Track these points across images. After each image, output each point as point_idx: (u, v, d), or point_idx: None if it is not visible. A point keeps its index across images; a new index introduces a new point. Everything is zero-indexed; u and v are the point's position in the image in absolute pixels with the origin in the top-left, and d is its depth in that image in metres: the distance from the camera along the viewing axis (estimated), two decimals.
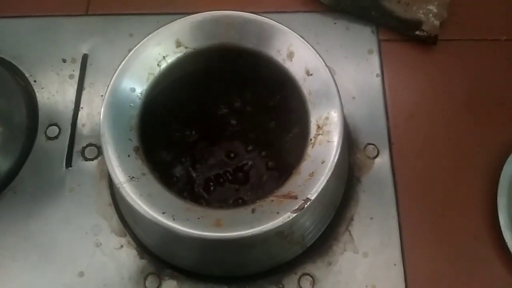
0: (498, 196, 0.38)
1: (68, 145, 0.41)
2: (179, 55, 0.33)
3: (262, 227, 0.28)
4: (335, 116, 0.31)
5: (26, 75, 0.44)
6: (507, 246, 0.37)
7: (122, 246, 0.37)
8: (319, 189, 0.29)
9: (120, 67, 0.32)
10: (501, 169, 0.39)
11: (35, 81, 0.43)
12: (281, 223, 0.29)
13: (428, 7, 0.45)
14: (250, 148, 0.41)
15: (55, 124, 0.42)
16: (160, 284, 0.36)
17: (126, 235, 0.38)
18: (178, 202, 0.30)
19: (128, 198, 0.29)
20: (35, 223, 0.38)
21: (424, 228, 0.38)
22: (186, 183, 0.39)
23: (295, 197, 0.29)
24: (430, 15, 0.44)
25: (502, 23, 0.46)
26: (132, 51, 0.33)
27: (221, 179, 0.40)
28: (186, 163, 0.40)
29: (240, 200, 0.39)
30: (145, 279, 0.36)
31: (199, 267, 0.36)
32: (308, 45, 0.33)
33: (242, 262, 0.36)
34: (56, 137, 0.41)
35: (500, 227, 0.37)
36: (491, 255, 0.38)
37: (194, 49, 0.33)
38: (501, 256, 0.37)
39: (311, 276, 0.37)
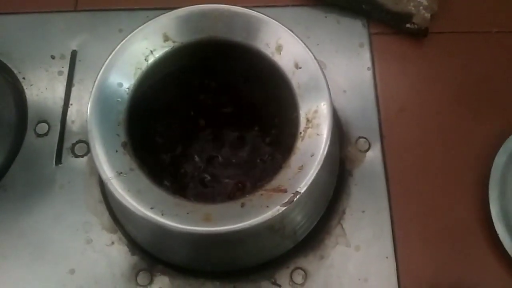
0: (489, 188, 0.38)
1: (58, 142, 0.41)
2: (167, 49, 0.33)
3: (251, 221, 0.28)
4: (324, 108, 0.31)
5: (15, 72, 0.43)
6: (498, 237, 0.37)
7: (113, 243, 0.37)
8: (309, 182, 0.29)
9: (107, 62, 0.32)
10: (493, 161, 0.39)
11: (23, 78, 0.43)
12: (270, 217, 0.29)
13: (418, 0, 0.44)
14: (240, 139, 0.40)
15: (45, 121, 0.41)
16: (152, 280, 0.36)
17: (117, 232, 0.38)
18: (167, 197, 0.29)
19: (116, 194, 0.29)
20: (25, 220, 0.38)
21: (416, 220, 0.38)
22: (177, 177, 0.39)
23: (285, 191, 0.29)
24: (421, 7, 0.44)
25: (492, 16, 0.46)
26: (119, 45, 0.33)
27: (214, 169, 0.40)
28: (176, 157, 0.40)
29: (240, 185, 0.39)
30: (136, 275, 0.36)
31: (190, 263, 0.36)
32: (297, 38, 0.33)
33: (234, 257, 0.36)
34: (45, 134, 0.41)
35: (492, 219, 0.37)
36: (483, 246, 0.38)
37: (182, 43, 0.33)
38: (493, 247, 0.37)
39: (303, 270, 0.37)
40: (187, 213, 0.29)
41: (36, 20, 0.45)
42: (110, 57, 0.32)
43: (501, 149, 0.39)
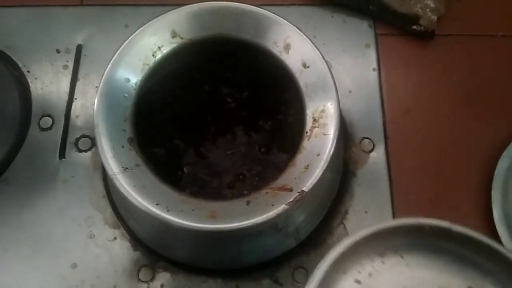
0: (492, 191, 0.38)
1: (62, 136, 0.40)
2: (174, 45, 0.33)
3: (256, 219, 0.28)
4: (331, 108, 0.31)
5: (20, 65, 0.43)
6: (501, 240, 0.37)
7: (115, 238, 0.37)
8: (314, 182, 0.29)
9: (115, 56, 0.32)
10: (496, 164, 0.39)
11: (28, 71, 0.43)
12: (275, 215, 0.29)
13: (425, 2, 0.44)
14: (246, 136, 0.40)
15: (49, 115, 0.41)
16: (153, 277, 0.36)
17: (120, 227, 0.37)
18: (172, 194, 0.29)
19: (121, 189, 0.29)
20: (28, 214, 0.38)
21: None
22: (181, 171, 0.39)
23: (290, 190, 0.29)
24: (428, 9, 0.44)
25: (499, 19, 0.46)
26: (127, 41, 0.32)
27: (217, 162, 0.40)
28: (181, 151, 0.40)
29: (241, 176, 0.39)
30: (138, 271, 0.36)
31: (193, 260, 0.36)
32: (305, 37, 0.33)
33: (237, 255, 0.36)
34: (49, 128, 0.41)
35: (494, 222, 0.37)
36: None
37: (190, 40, 0.33)
38: None
39: (305, 269, 0.37)
40: (193, 209, 0.29)
41: (42, 13, 0.45)
42: (118, 52, 0.32)
43: (504, 153, 0.39)
